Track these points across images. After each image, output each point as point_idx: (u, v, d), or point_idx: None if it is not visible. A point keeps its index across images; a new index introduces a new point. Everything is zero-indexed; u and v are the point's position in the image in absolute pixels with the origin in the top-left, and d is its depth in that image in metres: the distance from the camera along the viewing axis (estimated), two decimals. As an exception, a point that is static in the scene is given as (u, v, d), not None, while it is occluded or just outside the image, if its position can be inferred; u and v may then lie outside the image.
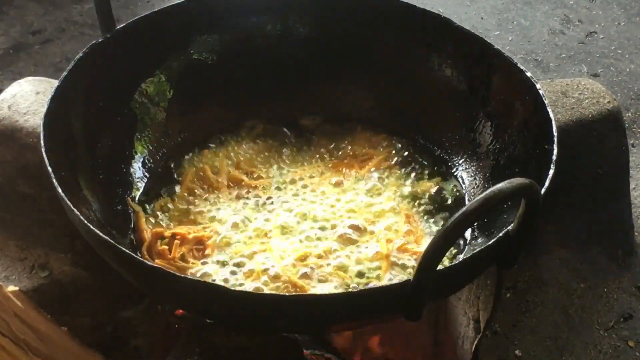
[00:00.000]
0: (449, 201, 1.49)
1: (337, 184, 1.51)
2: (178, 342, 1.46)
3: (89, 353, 1.53)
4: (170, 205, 1.46)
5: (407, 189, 1.50)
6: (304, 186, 1.50)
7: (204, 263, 1.33)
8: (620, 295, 1.66)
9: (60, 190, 1.16)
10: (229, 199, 1.47)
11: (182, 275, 1.23)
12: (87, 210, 1.28)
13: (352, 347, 1.64)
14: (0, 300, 1.37)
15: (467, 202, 1.48)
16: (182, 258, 1.34)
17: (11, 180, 1.59)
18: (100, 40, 1.44)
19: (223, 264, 1.33)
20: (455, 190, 1.50)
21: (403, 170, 1.55)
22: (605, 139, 1.67)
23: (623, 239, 1.74)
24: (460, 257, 1.37)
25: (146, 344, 1.61)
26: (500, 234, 1.07)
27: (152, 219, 1.43)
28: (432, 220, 1.44)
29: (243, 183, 1.50)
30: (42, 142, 1.22)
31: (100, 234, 1.11)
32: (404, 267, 1.34)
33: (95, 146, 1.44)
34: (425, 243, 1.38)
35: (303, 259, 1.33)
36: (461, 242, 1.40)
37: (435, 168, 1.55)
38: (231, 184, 1.50)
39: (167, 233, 1.37)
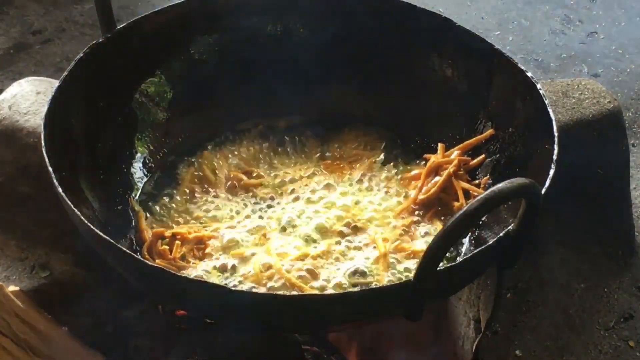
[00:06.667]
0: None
1: (336, 184, 1.51)
2: (178, 342, 1.46)
3: (89, 353, 1.53)
4: (170, 205, 1.46)
5: (404, 189, 1.50)
6: (304, 186, 1.50)
7: (204, 263, 1.33)
8: (620, 295, 1.66)
9: (60, 190, 1.16)
10: (229, 199, 1.47)
11: (182, 275, 1.23)
12: (87, 210, 1.28)
13: (353, 347, 1.64)
14: (1, 300, 1.37)
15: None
16: (183, 258, 1.34)
17: (11, 180, 1.59)
18: (100, 40, 1.44)
19: (223, 263, 1.33)
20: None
21: (402, 169, 1.55)
22: (605, 139, 1.67)
23: (623, 239, 1.74)
24: (460, 257, 1.37)
25: (146, 344, 1.61)
26: (501, 234, 1.07)
27: (152, 219, 1.43)
28: (429, 220, 1.44)
29: (242, 183, 1.50)
30: (42, 142, 1.22)
31: (101, 234, 1.11)
32: (402, 266, 1.34)
33: (96, 146, 1.44)
34: (421, 242, 1.38)
35: (302, 259, 1.33)
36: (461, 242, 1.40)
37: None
38: (230, 184, 1.50)
39: (168, 233, 1.37)
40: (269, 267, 1.31)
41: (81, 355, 1.51)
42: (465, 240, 1.40)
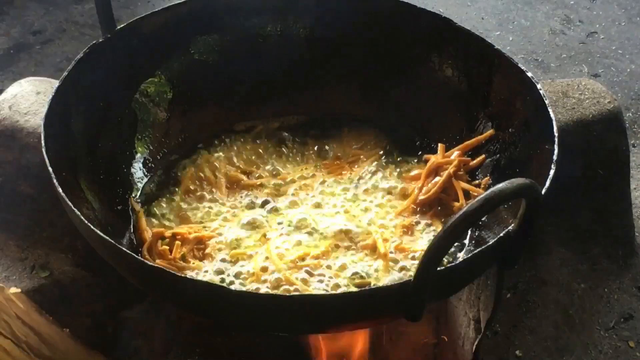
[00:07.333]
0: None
1: (336, 184, 1.51)
2: (178, 342, 1.46)
3: (89, 354, 1.53)
4: (170, 205, 1.46)
5: (404, 189, 1.50)
6: (303, 186, 1.50)
7: (204, 263, 1.33)
8: (620, 296, 1.66)
9: (60, 190, 1.16)
10: (228, 199, 1.47)
11: (183, 275, 1.23)
12: (87, 211, 1.28)
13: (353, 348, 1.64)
14: (1, 301, 1.37)
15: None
16: (183, 258, 1.34)
17: (12, 181, 1.59)
18: (100, 40, 1.44)
19: (223, 264, 1.33)
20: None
21: (401, 170, 1.55)
22: (605, 139, 1.67)
23: (623, 239, 1.74)
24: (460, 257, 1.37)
25: (146, 344, 1.61)
26: (501, 234, 1.07)
27: (152, 219, 1.43)
28: (429, 220, 1.44)
29: (242, 183, 1.50)
30: (42, 142, 1.22)
31: (101, 234, 1.11)
32: (401, 266, 1.34)
33: (96, 146, 1.44)
34: (421, 242, 1.38)
35: (301, 259, 1.33)
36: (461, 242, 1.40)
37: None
38: (230, 184, 1.50)
39: (168, 233, 1.37)
40: (269, 267, 1.31)
41: (82, 356, 1.51)
42: (466, 240, 1.40)
